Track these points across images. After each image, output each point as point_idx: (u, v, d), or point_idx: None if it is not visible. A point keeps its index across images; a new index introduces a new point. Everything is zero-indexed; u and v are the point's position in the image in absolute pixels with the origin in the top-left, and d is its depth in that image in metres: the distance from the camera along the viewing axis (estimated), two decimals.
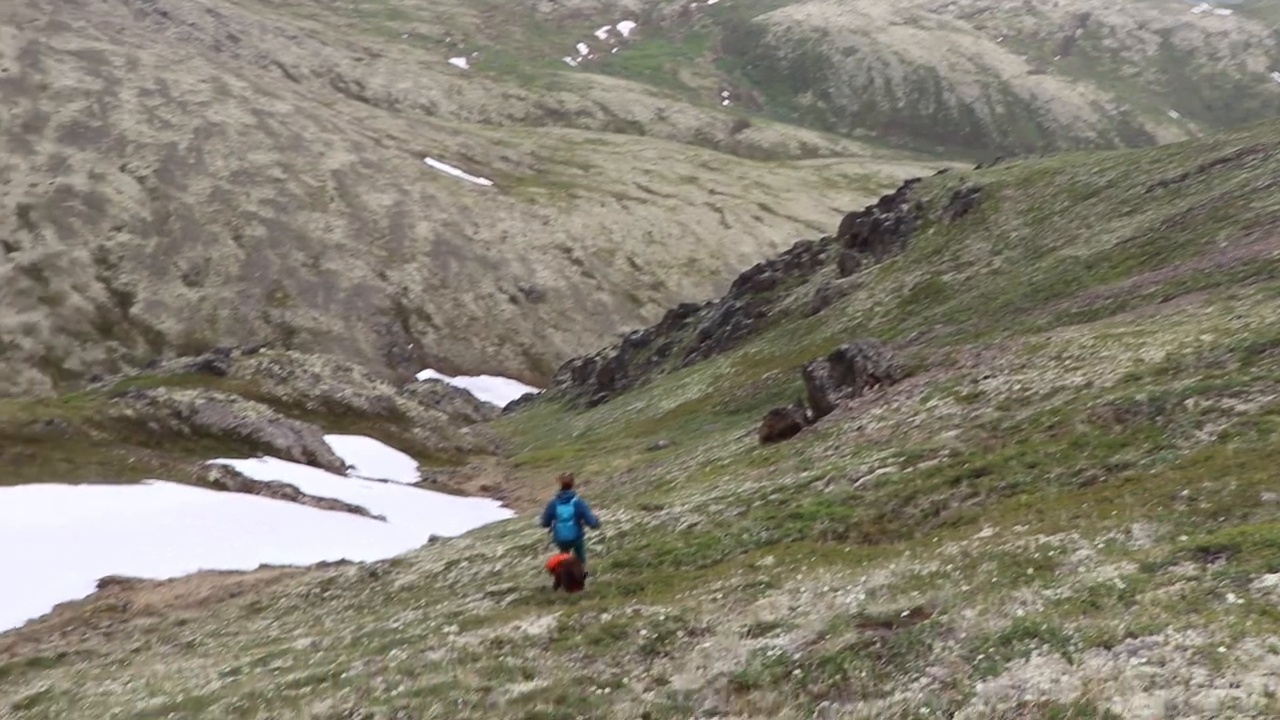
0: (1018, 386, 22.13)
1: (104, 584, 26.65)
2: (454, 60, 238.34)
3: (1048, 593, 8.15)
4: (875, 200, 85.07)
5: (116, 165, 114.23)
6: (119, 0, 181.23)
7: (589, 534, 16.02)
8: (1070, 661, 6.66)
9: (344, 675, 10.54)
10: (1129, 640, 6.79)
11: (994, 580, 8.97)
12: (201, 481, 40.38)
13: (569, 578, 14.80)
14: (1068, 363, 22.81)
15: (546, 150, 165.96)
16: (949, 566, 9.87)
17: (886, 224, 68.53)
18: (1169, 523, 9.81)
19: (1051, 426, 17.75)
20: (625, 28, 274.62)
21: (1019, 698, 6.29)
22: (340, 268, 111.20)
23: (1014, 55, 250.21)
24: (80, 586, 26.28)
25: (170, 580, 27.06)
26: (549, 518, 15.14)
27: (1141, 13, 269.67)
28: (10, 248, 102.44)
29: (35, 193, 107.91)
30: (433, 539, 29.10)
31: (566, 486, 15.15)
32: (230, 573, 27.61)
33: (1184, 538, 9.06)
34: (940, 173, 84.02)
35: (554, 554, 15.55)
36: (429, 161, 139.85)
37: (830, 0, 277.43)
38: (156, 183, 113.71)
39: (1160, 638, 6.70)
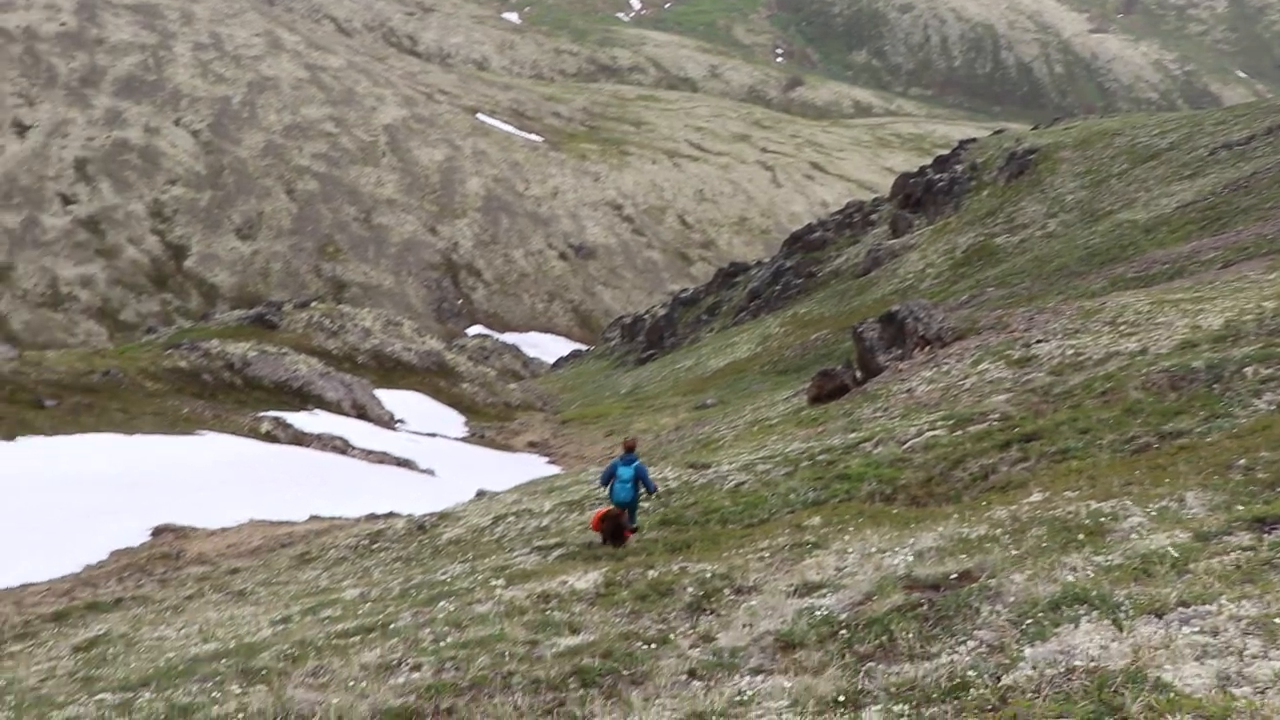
0: (1071, 351, 21.84)
1: (158, 532, 27.20)
2: (506, 15, 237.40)
3: (1098, 559, 8.07)
4: (929, 160, 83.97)
5: (171, 119, 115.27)
6: None
7: (644, 499, 16.18)
8: (1120, 628, 6.59)
9: (392, 626, 10.68)
10: (1181, 609, 6.71)
11: (1043, 545, 8.90)
12: (253, 433, 40.97)
13: (614, 530, 15.01)
14: (1122, 328, 22.47)
15: (598, 106, 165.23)
16: (998, 530, 9.80)
17: (940, 185, 67.65)
18: (1224, 492, 9.66)
19: (1104, 392, 17.52)
20: None
21: (1068, 663, 6.24)
22: (391, 222, 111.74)
23: (1075, 13, 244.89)
24: (136, 534, 26.83)
25: (222, 530, 27.56)
26: (609, 477, 15.53)
27: None
28: (68, 201, 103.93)
29: (92, 146, 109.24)
30: (480, 493, 29.36)
31: (629, 450, 15.53)
32: (281, 523, 28.06)
33: (1240, 507, 8.92)
34: (996, 133, 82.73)
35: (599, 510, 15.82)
36: (480, 117, 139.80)
37: None
38: (210, 136, 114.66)
39: (1213, 607, 6.61)
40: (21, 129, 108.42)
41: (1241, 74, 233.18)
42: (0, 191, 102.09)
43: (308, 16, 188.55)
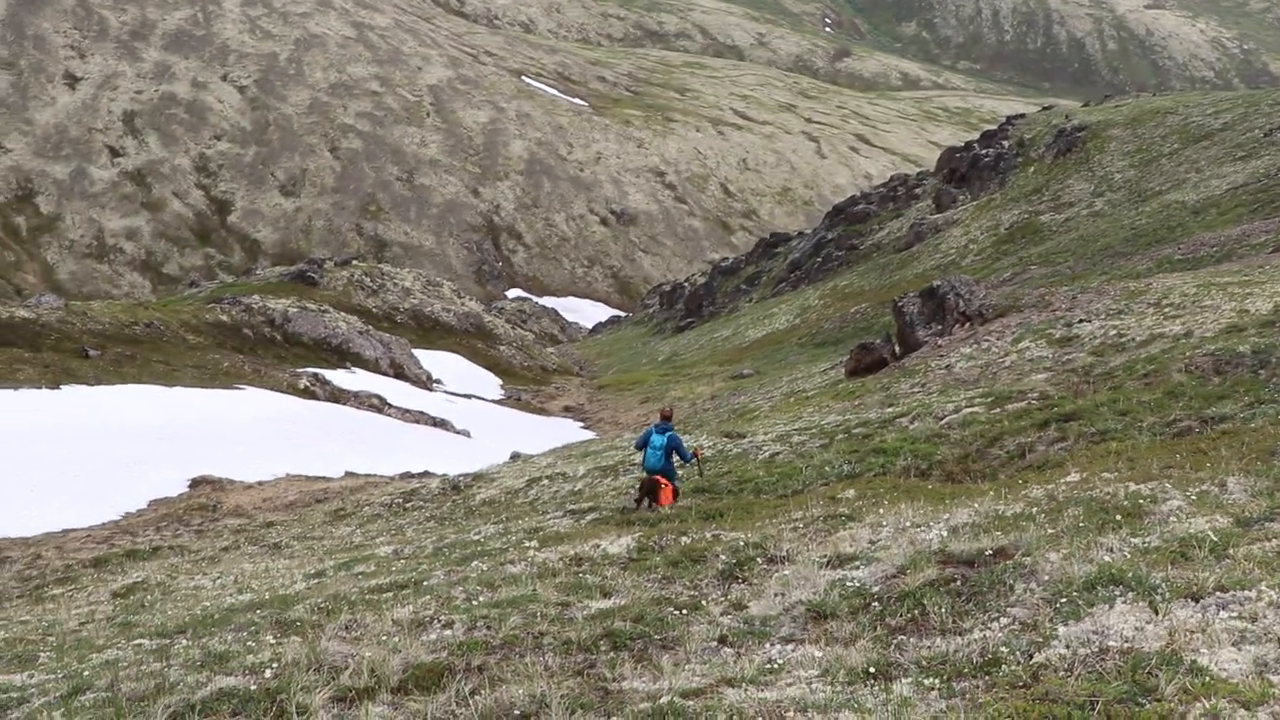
0: (1113, 332, 21.61)
1: (196, 483, 27.58)
2: None
3: (1135, 541, 8.00)
4: (976, 135, 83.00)
5: (218, 74, 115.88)
6: None
7: (680, 466, 16.28)
8: (1156, 611, 6.54)
9: (425, 583, 10.78)
10: (1219, 594, 6.64)
11: (1080, 525, 8.83)
12: (292, 389, 41.35)
13: (650, 490, 15.19)
14: (1167, 310, 22.20)
15: (644, 72, 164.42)
16: (1034, 509, 9.73)
17: (986, 160, 66.89)
18: (1267, 478, 9.53)
19: (1146, 374, 17.34)
20: None
21: (1102, 643, 6.20)
22: (434, 183, 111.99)
23: None
24: (174, 484, 27.22)
25: (259, 483, 27.90)
26: (643, 443, 15.73)
27: None
28: (116, 153, 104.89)
29: (140, 100, 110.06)
30: (514, 456, 29.52)
31: (666, 419, 15.74)
32: (317, 479, 28.36)
33: None
34: (1045, 109, 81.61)
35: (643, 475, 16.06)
36: (525, 80, 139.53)
37: None
38: (256, 93, 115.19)
39: (1252, 593, 6.54)
40: (72, 81, 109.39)
41: None
42: (51, 142, 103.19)
43: None
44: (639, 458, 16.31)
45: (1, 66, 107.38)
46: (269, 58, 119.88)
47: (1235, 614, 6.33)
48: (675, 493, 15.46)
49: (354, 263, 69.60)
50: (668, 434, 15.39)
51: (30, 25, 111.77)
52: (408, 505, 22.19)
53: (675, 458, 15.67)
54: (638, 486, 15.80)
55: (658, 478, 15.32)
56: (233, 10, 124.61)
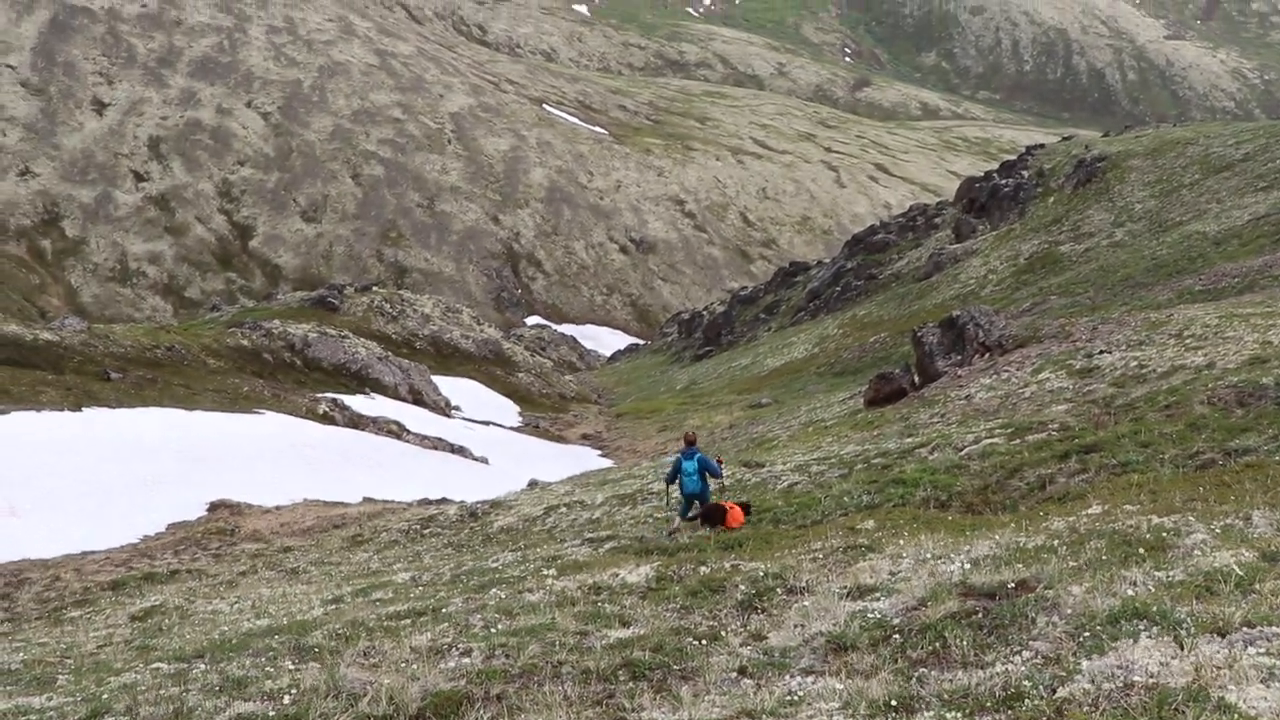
0: (1134, 363, 21.49)
1: (214, 507, 27.66)
2: (576, 7, 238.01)
3: (1159, 574, 7.93)
4: (995, 165, 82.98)
5: (243, 101, 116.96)
6: None
7: (712, 484, 16.48)
8: (1182, 646, 6.47)
9: (443, 610, 10.76)
10: (1246, 629, 6.56)
11: (1102, 558, 8.76)
12: (311, 414, 41.50)
13: (713, 516, 15.28)
14: (1189, 341, 22.07)
15: (664, 101, 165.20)
16: (1055, 541, 9.66)
17: (1005, 190, 66.84)
18: None
19: (1168, 406, 17.23)
20: None
21: (1126, 678, 6.13)
22: (454, 210, 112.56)
23: (1151, 19, 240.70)
24: (192, 508, 27.30)
25: (277, 508, 27.95)
26: (674, 475, 15.93)
27: None
28: (140, 178, 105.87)
29: (166, 125, 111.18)
30: (532, 483, 29.50)
31: (690, 444, 15.95)
32: (334, 504, 28.41)
33: None
34: (1065, 139, 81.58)
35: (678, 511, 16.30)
36: (547, 108, 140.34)
37: None
38: (280, 119, 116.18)
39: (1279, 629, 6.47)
40: (100, 107, 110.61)
41: None
42: (77, 167, 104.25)
43: (380, 3, 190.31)
44: (675, 491, 16.40)
45: (31, 93, 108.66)
46: (293, 85, 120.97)
47: (1263, 650, 6.26)
48: (747, 509, 15.58)
49: (374, 289, 69.94)
50: (696, 457, 15.62)
51: (60, 52, 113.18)
52: (425, 532, 22.18)
53: (710, 478, 15.87)
54: (696, 516, 15.83)
55: (723, 502, 15.50)
56: (258, 37, 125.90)
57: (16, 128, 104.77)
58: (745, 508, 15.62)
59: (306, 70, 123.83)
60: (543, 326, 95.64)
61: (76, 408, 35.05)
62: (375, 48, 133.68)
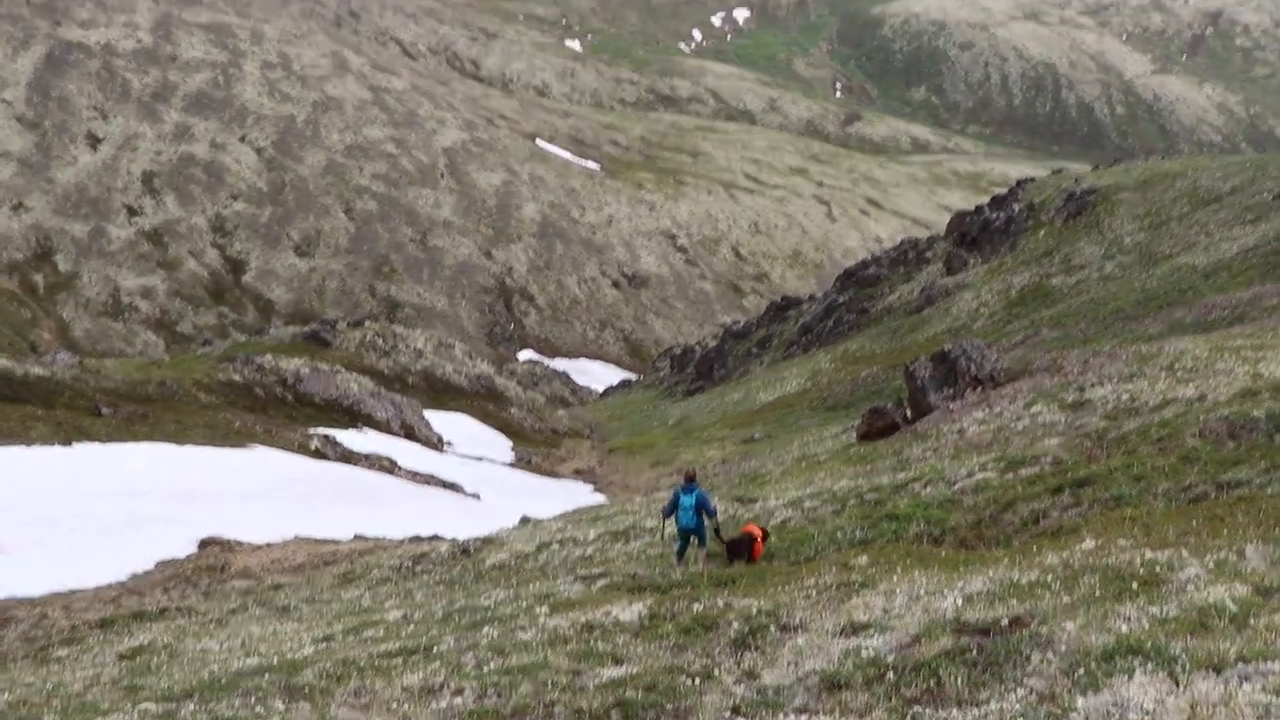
0: (1126, 396, 21.54)
1: (205, 544, 27.47)
2: (568, 42, 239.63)
3: (1153, 610, 7.91)
4: (986, 199, 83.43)
5: (237, 135, 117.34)
6: None
7: (707, 522, 16.54)
8: (1177, 682, 6.45)
9: (435, 649, 10.69)
10: (1241, 665, 6.55)
11: (1096, 594, 8.74)
12: (302, 449, 41.36)
13: (739, 548, 15.61)
14: (1179, 374, 22.13)
15: (656, 136, 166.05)
16: (1049, 577, 9.64)
17: (996, 224, 67.16)
18: None
19: (1160, 439, 17.25)
20: (740, 15, 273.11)
21: (1121, 715, 6.11)
22: (447, 245, 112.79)
23: (1138, 54, 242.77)
24: (182, 545, 27.12)
25: (268, 544, 27.79)
26: (672, 508, 16.12)
27: None
28: (133, 212, 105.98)
29: (160, 160, 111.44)
30: (525, 519, 29.37)
31: (690, 480, 16.23)
32: (326, 541, 28.25)
33: None
34: (1055, 173, 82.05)
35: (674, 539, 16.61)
36: (539, 143, 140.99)
37: None
38: (274, 154, 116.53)
39: (1275, 665, 6.45)
40: (94, 141, 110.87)
41: None
42: (71, 202, 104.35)
43: (374, 39, 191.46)
44: (671, 525, 16.60)
45: (26, 127, 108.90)
46: (286, 120, 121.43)
47: (1259, 686, 6.24)
48: (765, 535, 15.99)
49: (366, 324, 69.93)
50: (695, 493, 15.84)
51: (55, 87, 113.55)
52: (417, 569, 22.05)
53: (705, 516, 16.06)
54: (723, 551, 16.04)
55: (750, 529, 15.87)
56: (252, 73, 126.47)
57: (10, 162, 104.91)
58: (765, 534, 16.01)
59: (300, 105, 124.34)
60: (535, 361, 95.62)
61: (67, 443, 34.90)
62: (369, 83, 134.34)
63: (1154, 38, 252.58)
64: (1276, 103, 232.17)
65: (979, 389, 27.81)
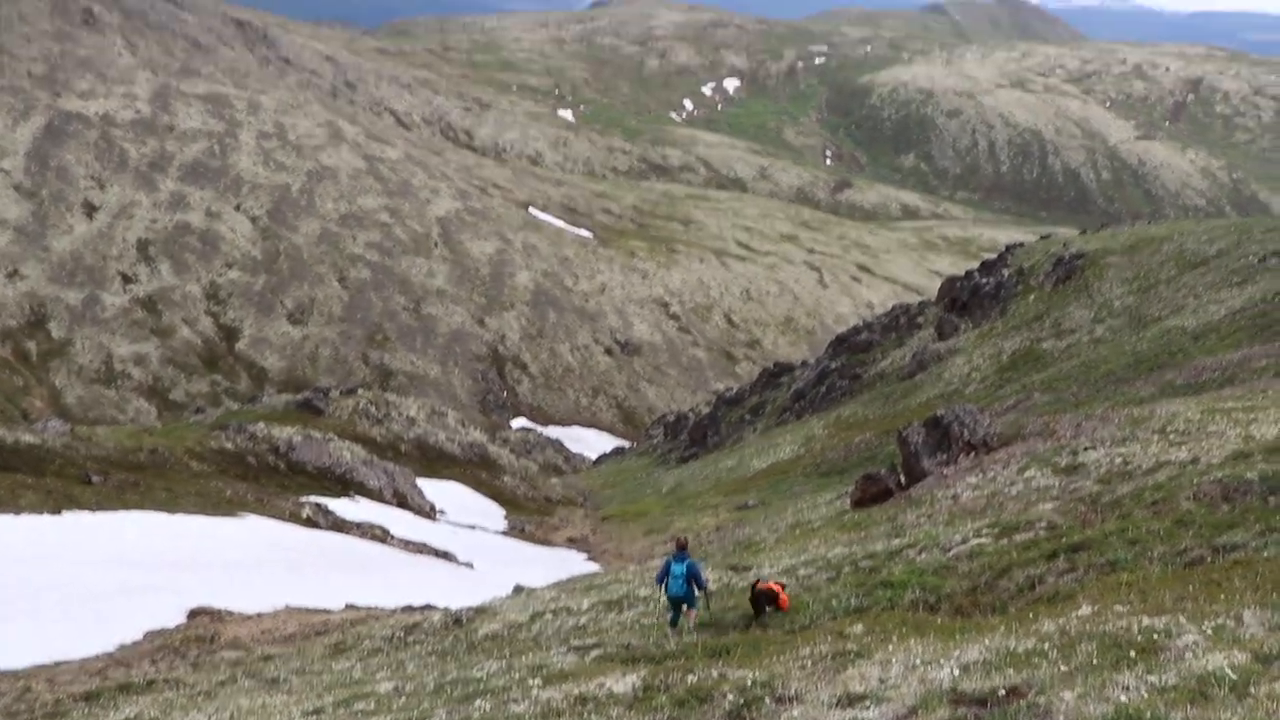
0: (1119, 459, 21.52)
1: (194, 614, 27.15)
2: (561, 112, 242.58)
3: (1152, 679, 7.84)
4: (975, 264, 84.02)
5: (232, 204, 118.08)
6: (245, 48, 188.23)
7: (697, 593, 16.66)
8: None
9: None
10: None
11: (1094, 662, 8.66)
12: (294, 518, 41.09)
13: (764, 600, 16.04)
14: (1172, 437, 22.15)
15: (648, 204, 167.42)
16: (1046, 645, 9.56)
17: (986, 289, 67.56)
18: None
19: (1155, 502, 17.22)
20: (731, 85, 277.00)
21: None
22: (440, 313, 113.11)
23: (1122, 120, 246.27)
24: (171, 615, 26.81)
25: (258, 614, 27.50)
26: (663, 575, 16.20)
27: (1258, 78, 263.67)
28: (128, 280, 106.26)
29: (155, 228, 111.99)
30: (518, 589, 29.12)
31: (681, 548, 16.30)
32: (317, 611, 27.96)
33: None
34: (1043, 238, 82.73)
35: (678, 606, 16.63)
36: (532, 211, 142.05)
37: (937, 62, 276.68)
38: (268, 222, 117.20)
39: None
40: (90, 210, 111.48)
41: None
42: (65, 269, 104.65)
43: (369, 109, 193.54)
44: (659, 593, 16.92)
45: (23, 196, 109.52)
46: (281, 189, 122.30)
47: None
48: (783, 587, 16.37)
49: (359, 391, 69.85)
50: (686, 562, 15.89)
51: (54, 157, 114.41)
52: (409, 639, 21.81)
53: (694, 586, 16.14)
54: (749, 600, 16.36)
55: (769, 585, 16.13)
56: (249, 142, 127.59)
57: (7, 230, 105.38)
58: (783, 586, 16.37)
59: (295, 174, 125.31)
60: (528, 429, 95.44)
61: (56, 511, 34.63)
62: (364, 153, 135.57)
63: (1137, 104, 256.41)
64: (1258, 167, 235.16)
65: (972, 454, 27.77)
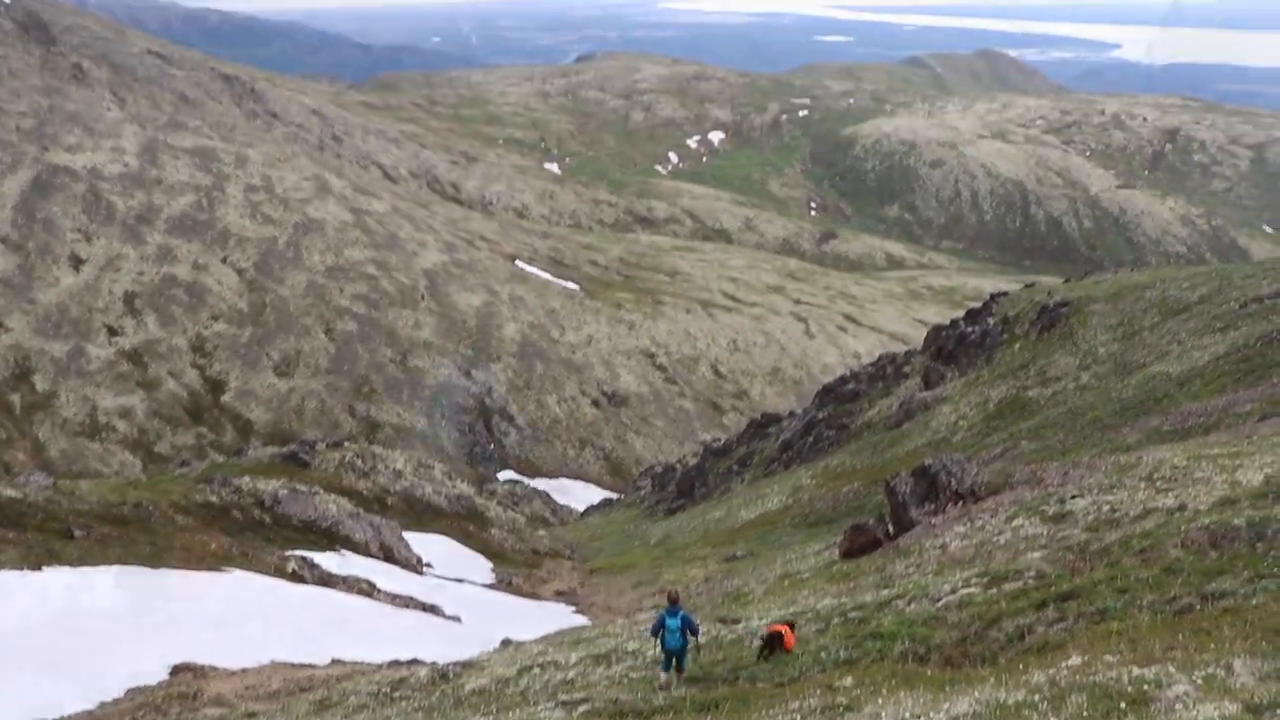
0: (1106, 507, 21.54)
1: (177, 670, 26.85)
2: (548, 165, 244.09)
3: None
4: (961, 313, 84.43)
5: (219, 257, 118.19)
6: (232, 102, 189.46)
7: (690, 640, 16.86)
8: None
9: None
10: None
11: (1084, 714, 8.61)
12: (279, 572, 40.75)
13: (771, 643, 16.67)
14: (1159, 484, 22.19)
15: (634, 256, 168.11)
16: (1036, 696, 9.50)
17: (972, 337, 67.86)
18: (1275, 660, 9.36)
19: (1143, 550, 17.21)
20: (716, 137, 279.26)
21: None
22: (427, 365, 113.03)
23: (1102, 169, 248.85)
24: (153, 671, 26.53)
25: (243, 670, 27.24)
26: (658, 628, 16.43)
27: (1233, 128, 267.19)
28: (114, 333, 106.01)
29: (142, 281, 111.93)
30: (505, 642, 28.88)
31: (674, 602, 16.50)
32: (302, 666, 27.69)
33: None
34: (1027, 286, 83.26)
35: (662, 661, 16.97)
36: (519, 264, 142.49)
37: (919, 114, 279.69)
38: (255, 275, 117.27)
39: None
40: (77, 263, 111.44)
41: (1268, 229, 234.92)
42: (51, 322, 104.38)
43: (356, 163, 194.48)
44: (655, 644, 17.10)
45: (10, 249, 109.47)
46: (269, 241, 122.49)
47: None
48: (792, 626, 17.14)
49: (345, 444, 69.57)
50: (680, 615, 16.12)
51: (41, 210, 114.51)
52: (395, 695, 21.58)
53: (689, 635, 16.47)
54: (761, 643, 16.97)
55: (778, 628, 16.76)
56: (236, 195, 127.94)
57: None
58: (791, 625, 17.04)
59: (282, 227, 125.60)
60: (516, 481, 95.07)
61: (37, 567, 34.25)
62: (351, 206, 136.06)
63: (1116, 154, 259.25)
64: (1236, 214, 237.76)
65: (960, 503, 27.76)
